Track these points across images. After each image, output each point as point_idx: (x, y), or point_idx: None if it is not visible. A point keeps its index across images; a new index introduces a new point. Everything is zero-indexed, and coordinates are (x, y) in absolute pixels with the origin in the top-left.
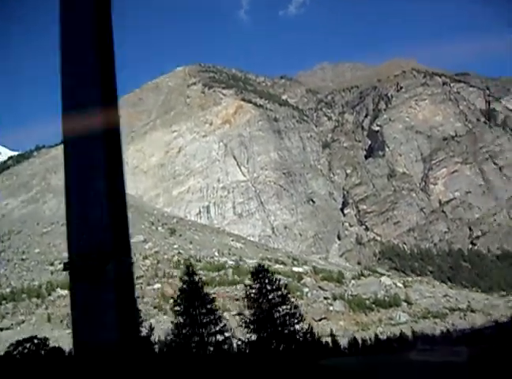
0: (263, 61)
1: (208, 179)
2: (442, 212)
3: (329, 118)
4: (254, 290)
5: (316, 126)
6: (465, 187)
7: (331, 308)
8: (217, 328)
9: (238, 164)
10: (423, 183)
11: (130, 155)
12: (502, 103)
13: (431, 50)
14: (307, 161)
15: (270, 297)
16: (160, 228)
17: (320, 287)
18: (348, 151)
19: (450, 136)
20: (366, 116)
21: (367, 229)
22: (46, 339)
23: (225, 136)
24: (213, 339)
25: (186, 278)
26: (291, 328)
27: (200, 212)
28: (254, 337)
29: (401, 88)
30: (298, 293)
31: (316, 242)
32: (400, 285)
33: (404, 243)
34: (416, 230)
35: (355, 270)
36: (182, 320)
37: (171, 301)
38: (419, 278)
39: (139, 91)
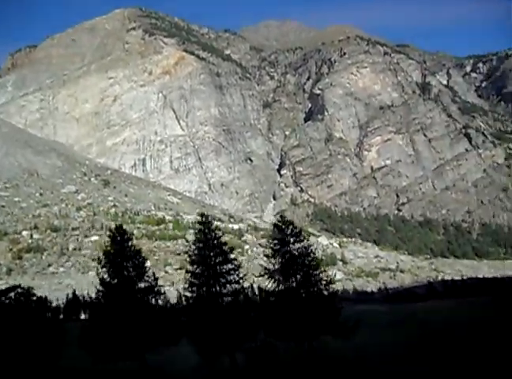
0: (207, 11)
1: (145, 131)
2: (373, 178)
3: (272, 78)
4: (276, 241)
5: (258, 85)
6: (396, 156)
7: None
8: (235, 278)
9: (177, 118)
10: (358, 149)
11: (61, 100)
12: (437, 77)
13: (375, 17)
14: (247, 120)
15: (294, 247)
16: (92, 179)
17: (260, 245)
18: (288, 113)
19: (387, 106)
20: (308, 79)
21: (301, 190)
22: (30, 288)
23: (165, 88)
24: (231, 287)
25: (201, 227)
26: (315, 278)
27: (135, 164)
28: (272, 286)
29: (344, 53)
30: (239, 249)
31: (252, 200)
32: (337, 245)
33: (336, 206)
34: (347, 194)
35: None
36: (198, 270)
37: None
38: (352, 239)
39: (72, 31)
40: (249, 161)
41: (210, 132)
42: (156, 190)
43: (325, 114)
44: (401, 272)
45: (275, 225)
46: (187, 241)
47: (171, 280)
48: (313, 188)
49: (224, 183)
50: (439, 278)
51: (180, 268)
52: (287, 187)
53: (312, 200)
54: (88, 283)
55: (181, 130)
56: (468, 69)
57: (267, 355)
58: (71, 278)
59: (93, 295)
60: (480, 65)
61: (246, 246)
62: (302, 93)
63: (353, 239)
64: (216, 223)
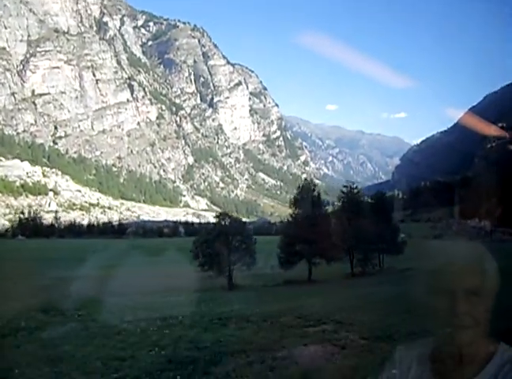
0: None
1: None
2: (33, 103)
3: None
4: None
5: None
6: (62, 87)
7: None
8: None
9: None
10: (22, 67)
11: None
12: (113, 20)
13: None
14: None
15: None
16: None
17: None
18: None
19: (62, 31)
20: None
21: None
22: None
23: None
24: None
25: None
26: None
27: None
28: None
29: None
30: None
31: None
32: (40, 174)
33: None
34: (1, 114)
35: None
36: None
37: None
38: (53, 170)
39: None
40: None
41: None
42: None
43: None
44: (109, 208)
45: None
46: None
47: None
48: None
49: None
50: (142, 217)
51: None
52: None
53: None
54: None
55: None
56: (140, 23)
57: None
58: None
59: None
60: (151, 24)
61: None
62: None
63: (54, 170)
64: None
